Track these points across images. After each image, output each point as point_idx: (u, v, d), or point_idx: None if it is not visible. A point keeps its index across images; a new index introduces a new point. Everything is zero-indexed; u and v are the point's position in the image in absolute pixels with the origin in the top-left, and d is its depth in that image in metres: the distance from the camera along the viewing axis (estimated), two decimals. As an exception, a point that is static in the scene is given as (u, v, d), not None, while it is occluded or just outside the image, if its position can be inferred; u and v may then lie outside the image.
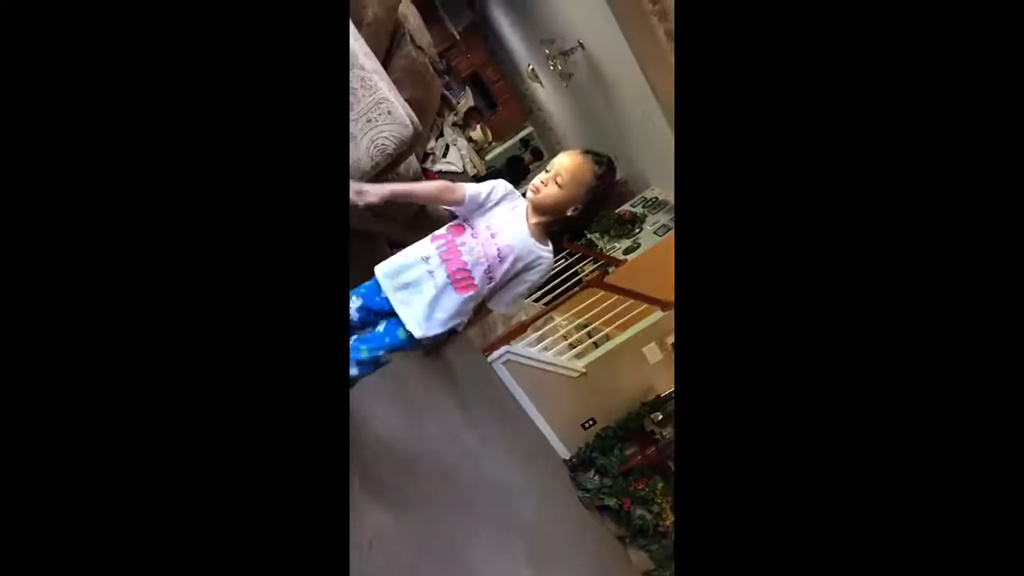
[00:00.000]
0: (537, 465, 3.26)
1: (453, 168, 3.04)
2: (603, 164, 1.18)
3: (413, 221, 2.54)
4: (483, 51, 8.10)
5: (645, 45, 3.63)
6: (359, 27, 1.84)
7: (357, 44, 1.40)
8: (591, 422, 3.86)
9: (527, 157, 7.53)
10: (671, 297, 3.74)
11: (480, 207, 1.17)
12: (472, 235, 1.17)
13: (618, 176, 7.28)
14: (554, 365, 3.77)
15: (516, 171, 7.13)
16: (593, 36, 4.49)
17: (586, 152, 1.20)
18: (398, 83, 2.37)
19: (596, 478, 3.69)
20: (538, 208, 1.17)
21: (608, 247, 5.21)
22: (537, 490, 2.78)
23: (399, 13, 2.35)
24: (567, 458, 3.81)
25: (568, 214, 1.17)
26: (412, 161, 2.12)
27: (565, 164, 1.17)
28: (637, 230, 5.18)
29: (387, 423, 1.52)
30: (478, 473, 2.06)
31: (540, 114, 9.01)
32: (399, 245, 3.38)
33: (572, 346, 3.99)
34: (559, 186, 1.15)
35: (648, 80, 3.78)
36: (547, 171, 1.18)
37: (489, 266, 1.16)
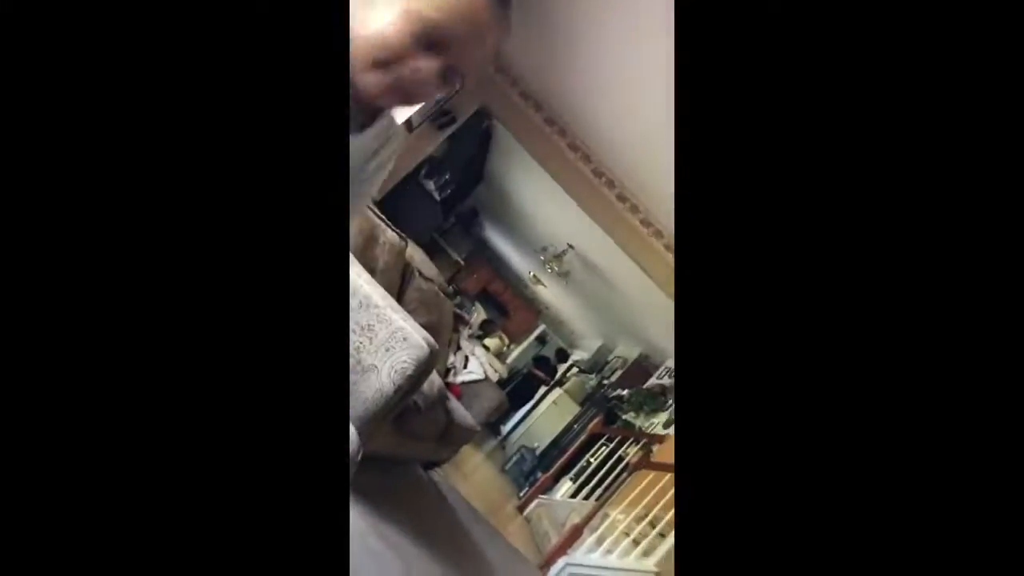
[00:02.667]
0: None
1: (475, 376, 3.15)
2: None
3: (442, 437, 2.55)
4: (487, 269, 8.96)
5: (626, 235, 4.05)
6: (373, 275, 2.12)
7: (371, 288, 1.61)
8: (683, 636, 3.27)
9: (552, 359, 7.77)
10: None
11: None
12: None
13: (638, 352, 7.28)
14: (622, 571, 3.35)
15: (545, 369, 7.28)
16: (579, 236, 5.03)
17: None
18: (414, 312, 2.61)
19: None
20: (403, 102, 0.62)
21: (646, 424, 5.03)
22: None
23: (406, 255, 2.71)
24: None
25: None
26: (435, 378, 2.22)
27: (452, 5, 0.56)
28: (670, 401, 5.07)
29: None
30: None
31: (549, 312, 9.54)
32: (433, 465, 3.29)
33: (636, 542, 3.59)
34: (444, 78, 0.59)
35: (637, 263, 4.11)
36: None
37: None
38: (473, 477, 4.38)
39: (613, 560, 3.39)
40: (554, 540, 3.63)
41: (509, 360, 8.63)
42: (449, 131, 3.77)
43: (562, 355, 8.15)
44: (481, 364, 3.21)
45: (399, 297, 2.61)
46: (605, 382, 6.85)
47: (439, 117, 3.68)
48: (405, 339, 1.42)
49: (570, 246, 5.45)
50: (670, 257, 4.00)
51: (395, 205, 3.79)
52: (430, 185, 4.22)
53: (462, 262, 8.54)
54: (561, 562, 3.33)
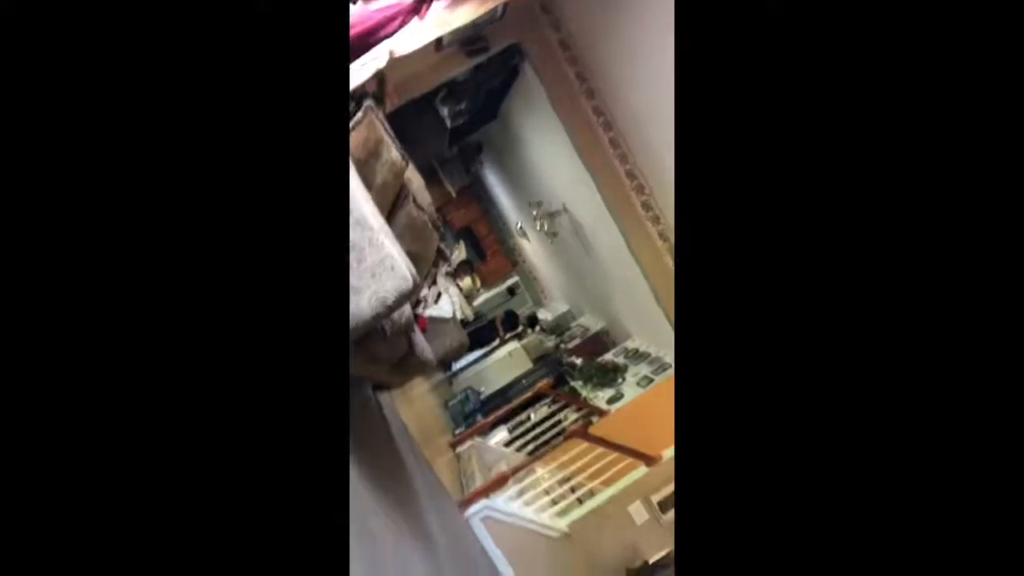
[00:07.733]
0: (514, 645, 2.89)
1: (444, 315, 3.14)
2: None
3: (399, 365, 2.56)
4: (476, 209, 8.81)
5: (624, 212, 4.02)
6: (369, 190, 2.05)
7: (368, 207, 1.55)
8: (574, 592, 3.51)
9: (522, 320, 7.80)
10: (656, 451, 3.65)
11: None
12: None
13: (600, 326, 7.41)
14: (536, 523, 3.53)
15: (508, 326, 7.33)
16: (577, 201, 4.96)
17: None
18: (399, 237, 2.55)
19: (580, 663, 3.25)
20: None
21: (591, 395, 5.19)
22: (513, 677, 2.43)
23: (405, 177, 2.62)
24: (547, 636, 3.39)
25: None
26: (406, 308, 2.20)
27: None
28: (620, 380, 5.22)
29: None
30: (449, 653, 1.82)
31: (525, 265, 9.53)
32: (382, 388, 3.32)
33: (555, 502, 3.78)
34: None
35: (627, 241, 4.11)
36: None
37: None
38: (416, 404, 4.47)
39: (529, 512, 3.55)
40: (479, 482, 3.78)
41: (476, 303, 8.65)
42: (478, 59, 3.58)
43: (532, 320, 8.20)
44: (452, 303, 3.21)
45: (388, 218, 2.54)
46: (562, 346, 6.98)
47: (471, 43, 3.49)
48: (392, 268, 1.39)
49: (565, 208, 5.38)
50: (661, 244, 4.00)
51: (404, 123, 3.64)
52: (444, 111, 4.05)
53: (454, 194, 8.36)
54: (481, 503, 3.48)
